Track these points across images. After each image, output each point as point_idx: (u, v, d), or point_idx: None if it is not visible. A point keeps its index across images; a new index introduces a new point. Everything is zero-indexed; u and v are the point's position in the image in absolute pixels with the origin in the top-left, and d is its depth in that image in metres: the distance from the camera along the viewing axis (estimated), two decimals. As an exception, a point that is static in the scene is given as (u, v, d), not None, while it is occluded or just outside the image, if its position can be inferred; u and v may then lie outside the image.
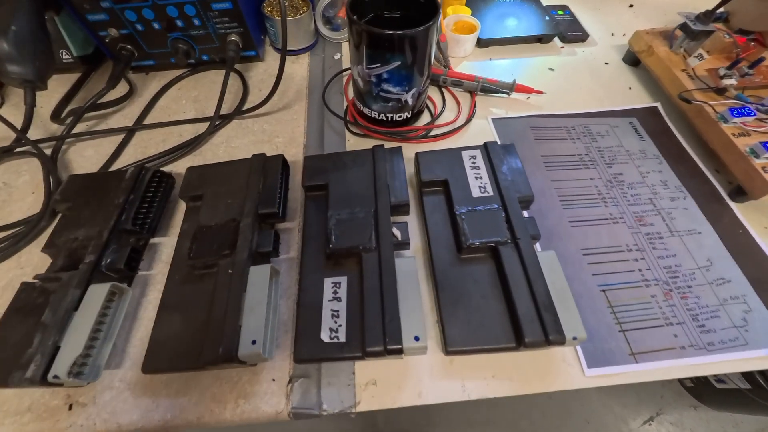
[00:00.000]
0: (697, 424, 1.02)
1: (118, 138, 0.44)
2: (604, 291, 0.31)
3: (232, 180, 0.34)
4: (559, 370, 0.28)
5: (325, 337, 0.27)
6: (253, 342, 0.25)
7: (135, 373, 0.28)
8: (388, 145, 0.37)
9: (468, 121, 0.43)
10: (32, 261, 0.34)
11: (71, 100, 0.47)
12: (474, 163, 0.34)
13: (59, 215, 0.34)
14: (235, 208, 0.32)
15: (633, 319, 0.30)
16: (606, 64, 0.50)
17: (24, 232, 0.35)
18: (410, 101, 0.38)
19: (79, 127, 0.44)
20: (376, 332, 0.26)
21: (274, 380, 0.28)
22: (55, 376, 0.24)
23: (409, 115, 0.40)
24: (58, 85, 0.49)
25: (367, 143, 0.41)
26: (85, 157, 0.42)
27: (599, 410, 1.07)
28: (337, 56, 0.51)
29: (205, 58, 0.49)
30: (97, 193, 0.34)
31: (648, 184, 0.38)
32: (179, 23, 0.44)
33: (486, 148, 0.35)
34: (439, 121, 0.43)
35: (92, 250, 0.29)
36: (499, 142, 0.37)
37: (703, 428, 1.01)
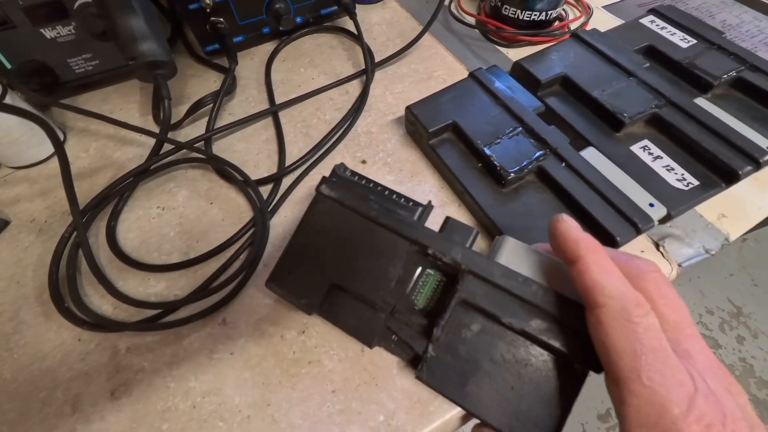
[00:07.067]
0: None
1: (262, 123, 0.37)
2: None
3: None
4: None
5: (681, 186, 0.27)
6: (651, 204, 0.25)
7: None
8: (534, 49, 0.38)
9: (590, 15, 0.45)
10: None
11: (158, 104, 0.38)
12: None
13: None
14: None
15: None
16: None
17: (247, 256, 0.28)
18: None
19: (200, 125, 0.36)
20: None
21: (642, 252, 0.28)
22: None
23: (559, 10, 0.41)
24: (128, 91, 0.39)
25: (518, 52, 0.42)
26: (239, 152, 0.35)
27: None
28: (426, -9, 0.49)
29: (299, 20, 0.43)
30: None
31: None
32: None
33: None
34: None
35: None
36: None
37: None
